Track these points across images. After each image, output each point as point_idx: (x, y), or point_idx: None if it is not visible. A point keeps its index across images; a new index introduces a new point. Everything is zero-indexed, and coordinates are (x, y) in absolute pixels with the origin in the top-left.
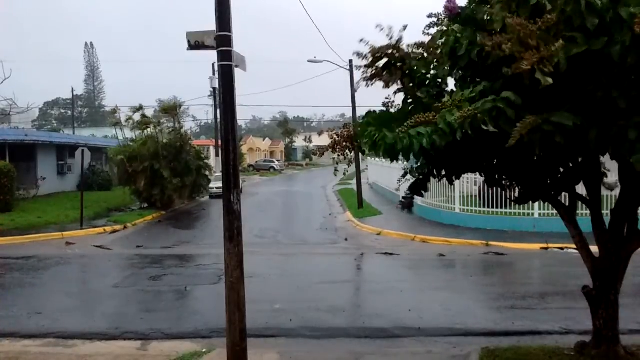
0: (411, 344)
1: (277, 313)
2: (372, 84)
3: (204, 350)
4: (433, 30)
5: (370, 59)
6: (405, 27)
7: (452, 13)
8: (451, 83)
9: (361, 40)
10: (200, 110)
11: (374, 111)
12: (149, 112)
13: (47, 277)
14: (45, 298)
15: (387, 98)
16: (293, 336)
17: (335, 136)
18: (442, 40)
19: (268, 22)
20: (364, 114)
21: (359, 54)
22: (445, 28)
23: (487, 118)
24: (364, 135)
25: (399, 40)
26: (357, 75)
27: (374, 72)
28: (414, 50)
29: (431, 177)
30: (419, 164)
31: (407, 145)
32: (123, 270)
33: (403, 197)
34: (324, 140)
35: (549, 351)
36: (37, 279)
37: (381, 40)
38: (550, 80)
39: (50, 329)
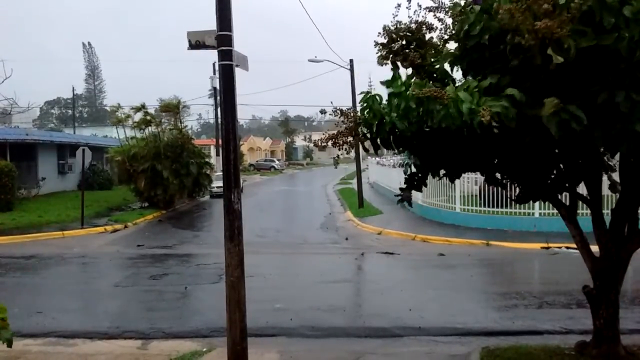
0: (411, 343)
1: (277, 312)
2: (386, 64)
3: (204, 349)
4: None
5: (388, 38)
6: (425, 15)
7: (477, 3)
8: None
9: (398, 6)
10: (200, 109)
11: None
12: (150, 111)
13: (48, 276)
14: (46, 297)
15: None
16: (293, 335)
17: (343, 116)
18: (458, 18)
19: (269, 22)
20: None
21: (383, 29)
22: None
23: (497, 118)
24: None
25: (420, 23)
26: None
27: (390, 49)
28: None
29: (429, 174)
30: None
31: (432, 109)
32: (124, 269)
33: (401, 189)
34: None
35: (549, 351)
36: (37, 278)
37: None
38: (561, 59)
39: (51, 328)
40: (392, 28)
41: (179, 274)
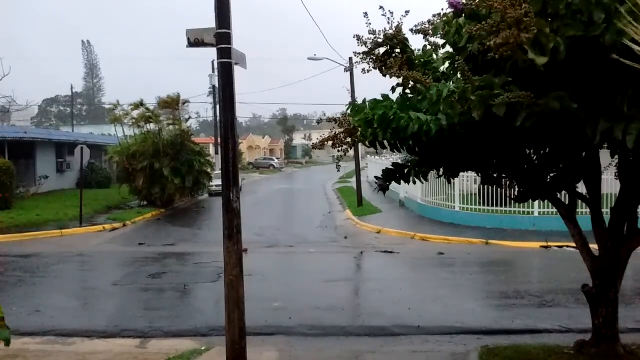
0: (411, 342)
1: (276, 311)
2: (369, 71)
3: (203, 348)
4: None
5: (370, 47)
6: (407, 12)
7: (457, 9)
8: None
9: (365, 15)
10: (200, 108)
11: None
12: (150, 108)
13: (46, 274)
14: (45, 296)
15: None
16: (292, 334)
17: (336, 124)
18: (443, 33)
19: (268, 20)
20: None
21: (359, 38)
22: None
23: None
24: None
25: (399, 26)
26: (356, 60)
27: (373, 58)
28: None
29: (422, 175)
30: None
31: (404, 125)
32: (122, 268)
33: (376, 177)
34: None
35: (548, 349)
36: (36, 277)
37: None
38: (544, 59)
39: (49, 327)
40: (371, 37)
41: (177, 273)
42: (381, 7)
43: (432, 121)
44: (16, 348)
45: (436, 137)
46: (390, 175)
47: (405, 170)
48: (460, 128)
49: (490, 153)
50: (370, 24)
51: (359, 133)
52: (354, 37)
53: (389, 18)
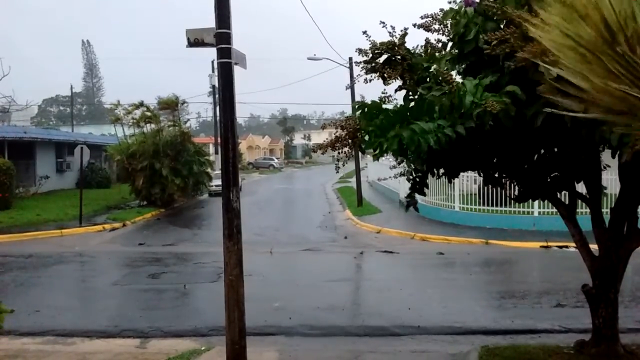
0: (410, 342)
1: (276, 311)
2: (371, 81)
3: (203, 348)
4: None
5: (371, 55)
6: (406, 30)
7: (471, 6)
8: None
9: (364, 33)
10: (199, 107)
11: (369, 102)
12: (150, 108)
13: (46, 274)
14: (44, 296)
15: (383, 92)
16: (292, 334)
17: (340, 129)
18: (452, 22)
19: (268, 20)
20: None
21: (360, 50)
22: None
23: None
24: (368, 143)
25: (402, 37)
26: (357, 70)
27: (374, 66)
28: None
29: (429, 175)
30: (414, 163)
31: (417, 142)
32: (122, 267)
33: (407, 197)
34: (325, 136)
35: (548, 349)
36: (36, 277)
37: (383, 36)
38: (555, 72)
39: (49, 327)
40: (370, 46)
41: (177, 273)
42: (381, 22)
43: (439, 131)
44: (16, 348)
45: (443, 146)
46: (414, 189)
47: (418, 179)
48: (465, 132)
49: (491, 153)
50: (370, 37)
51: (362, 136)
52: (355, 51)
53: (390, 32)
